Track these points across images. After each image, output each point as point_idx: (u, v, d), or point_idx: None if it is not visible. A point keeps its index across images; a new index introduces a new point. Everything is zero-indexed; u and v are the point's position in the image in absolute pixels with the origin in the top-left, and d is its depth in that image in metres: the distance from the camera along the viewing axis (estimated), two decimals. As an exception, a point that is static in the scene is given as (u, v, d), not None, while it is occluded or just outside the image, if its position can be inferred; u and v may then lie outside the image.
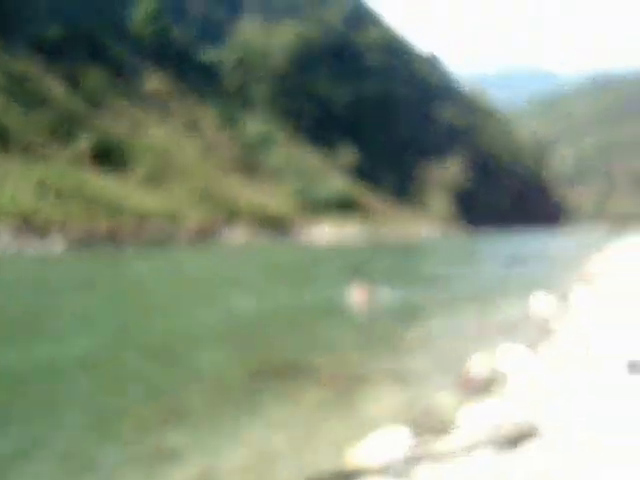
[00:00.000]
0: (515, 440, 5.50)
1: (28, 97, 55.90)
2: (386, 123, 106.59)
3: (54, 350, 10.72)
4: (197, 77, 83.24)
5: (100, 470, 5.95)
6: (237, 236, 54.17)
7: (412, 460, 5.35)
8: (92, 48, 68.85)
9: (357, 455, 5.64)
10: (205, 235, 50.75)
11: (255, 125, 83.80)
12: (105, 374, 9.66)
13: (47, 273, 26.19)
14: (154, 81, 75.64)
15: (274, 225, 60.64)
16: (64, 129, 54.96)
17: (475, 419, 6.16)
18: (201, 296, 19.63)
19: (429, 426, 6.46)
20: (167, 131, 68.93)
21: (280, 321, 14.53)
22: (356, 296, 16.30)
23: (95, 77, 64.52)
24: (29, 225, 39.41)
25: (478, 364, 8.62)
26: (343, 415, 7.40)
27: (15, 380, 9.05)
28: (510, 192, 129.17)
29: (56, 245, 38.54)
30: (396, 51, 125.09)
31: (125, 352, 11.16)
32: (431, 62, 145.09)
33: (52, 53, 63.59)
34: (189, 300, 18.82)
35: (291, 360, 10.25)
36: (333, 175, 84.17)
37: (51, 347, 10.99)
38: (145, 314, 15.80)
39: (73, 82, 63.06)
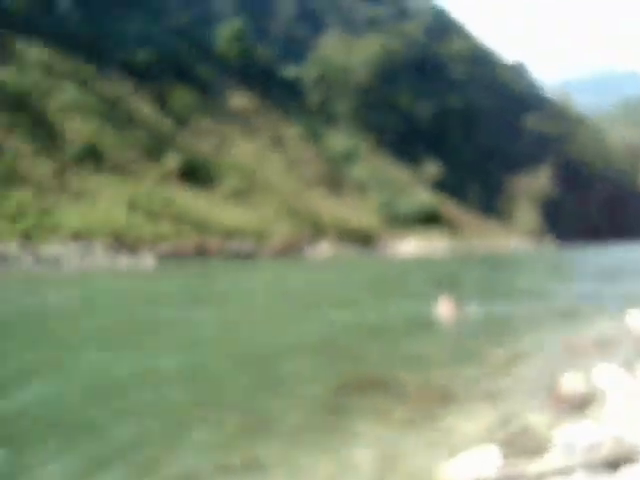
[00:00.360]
0: (614, 463, 5.12)
1: (120, 118, 57.98)
2: (471, 134, 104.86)
3: (153, 361, 10.91)
4: (281, 94, 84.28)
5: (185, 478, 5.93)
6: (322, 251, 54.11)
7: (503, 480, 5.09)
8: (179, 69, 70.89)
9: (446, 474, 5.50)
10: (290, 250, 50.90)
11: (339, 140, 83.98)
12: (199, 384, 9.68)
13: (143, 287, 26.65)
14: (239, 99, 77.07)
15: (359, 239, 60.30)
16: (153, 148, 56.59)
17: (570, 440, 5.73)
18: (292, 309, 19.44)
19: (520, 446, 6.20)
20: (252, 147, 69.93)
21: (368, 334, 14.10)
22: (444, 310, 15.74)
23: (182, 97, 66.20)
24: (121, 241, 40.55)
25: (572, 382, 8.17)
26: (431, 433, 7.11)
27: (113, 387, 9.20)
28: (602, 202, 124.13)
29: (146, 260, 39.49)
30: (480, 60, 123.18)
31: (221, 363, 11.23)
32: (516, 70, 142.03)
33: (141, 75, 65.80)
34: (281, 313, 18.76)
35: (379, 375, 9.93)
36: (418, 188, 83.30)
37: (150, 358, 11.18)
38: (239, 326, 15.78)
39: (161, 102, 64.97)
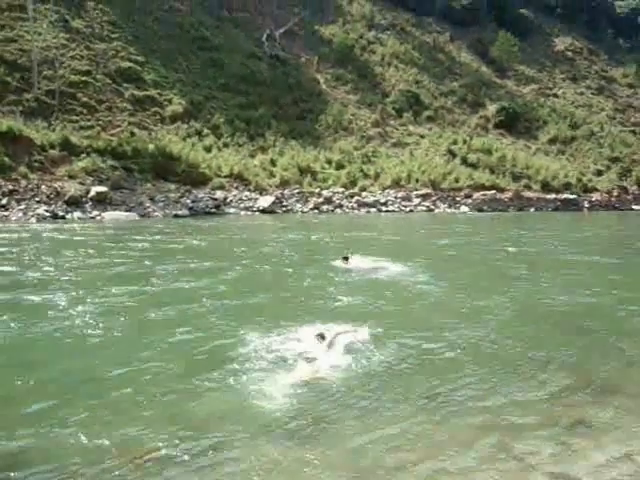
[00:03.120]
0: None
1: (439, 67, 57.53)
2: None
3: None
4: (610, 32, 76.39)
5: (511, 432, 5.55)
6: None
7: None
8: (499, 14, 67.87)
9: None
10: (615, 202, 46.07)
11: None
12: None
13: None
14: (563, 42, 71.54)
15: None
16: (473, 96, 55.24)
17: None
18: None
19: None
20: (577, 93, 64.55)
21: None
22: None
23: (503, 43, 63.19)
24: (439, 190, 40.18)
25: None
26: None
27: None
28: None
29: (462, 208, 38.76)
30: None
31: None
32: None
33: (461, 22, 64.34)
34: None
35: None
36: None
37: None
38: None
39: (481, 49, 63.01)
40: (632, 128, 62.82)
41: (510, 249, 18.66)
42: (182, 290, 11.23)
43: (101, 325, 8.41)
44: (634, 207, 46.77)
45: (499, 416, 5.87)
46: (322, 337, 7.57)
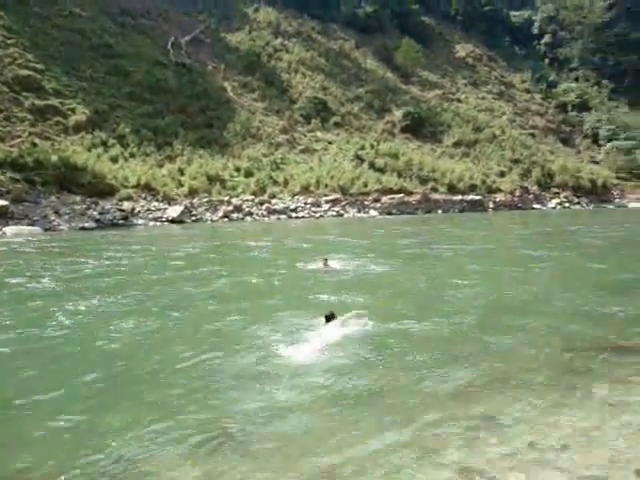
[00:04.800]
0: None
1: (345, 73, 58.52)
2: None
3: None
4: (507, 40, 79.80)
5: (423, 429, 5.91)
6: (551, 203, 50.83)
7: None
8: (402, 21, 69.63)
9: None
10: (517, 202, 48.35)
11: (570, 86, 77.57)
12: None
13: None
14: (464, 48, 74.15)
15: (591, 192, 55.55)
16: (378, 102, 56.44)
17: None
18: (523, 261, 17.99)
19: None
20: (478, 98, 67.07)
21: (606, 297, 12.16)
22: None
23: (406, 49, 64.86)
24: (346, 194, 40.90)
25: None
26: None
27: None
28: None
29: (370, 212, 39.67)
30: None
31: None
32: None
33: (365, 30, 65.70)
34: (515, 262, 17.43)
35: (621, 341, 8.97)
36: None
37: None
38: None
39: (386, 56, 64.46)
40: (531, 131, 65.94)
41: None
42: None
43: None
44: (535, 206, 49.18)
45: (406, 412, 6.22)
46: (332, 316, 9.27)
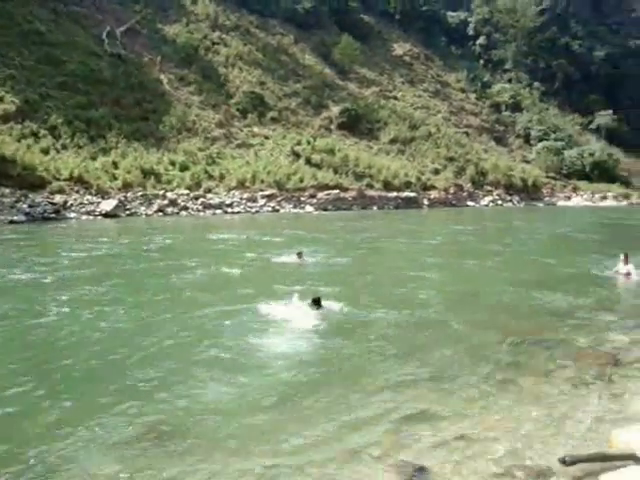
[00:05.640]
0: None
1: (283, 69, 58.56)
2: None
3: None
4: (444, 40, 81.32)
5: (356, 426, 6.07)
6: (484, 201, 52.40)
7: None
8: (342, 18, 69.95)
9: (622, 439, 5.25)
10: (451, 199, 49.60)
11: (504, 87, 79.69)
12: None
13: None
14: (402, 47, 75.13)
15: (523, 190, 57.58)
16: (316, 97, 56.72)
17: None
18: (450, 258, 18.71)
19: None
20: (415, 96, 68.15)
21: (535, 291, 13.13)
22: (618, 270, 14.05)
23: (345, 46, 65.27)
24: (282, 189, 41.09)
25: None
26: (606, 397, 6.89)
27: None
28: None
29: (307, 207, 39.96)
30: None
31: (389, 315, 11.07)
32: None
33: (304, 26, 65.81)
34: (442, 262, 18.06)
35: (548, 335, 9.61)
36: (588, 139, 77.37)
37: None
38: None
39: (324, 52, 64.73)
40: (465, 130, 67.46)
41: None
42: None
43: None
44: (469, 203, 50.55)
45: (341, 411, 6.44)
46: (318, 301, 10.26)
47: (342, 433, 5.94)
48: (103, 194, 34.35)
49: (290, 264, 15.51)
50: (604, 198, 61.91)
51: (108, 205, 32.97)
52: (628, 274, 14.05)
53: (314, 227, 29.20)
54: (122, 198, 34.43)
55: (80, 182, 34.45)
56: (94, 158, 37.25)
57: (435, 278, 14.65)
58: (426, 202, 47.68)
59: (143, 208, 34.49)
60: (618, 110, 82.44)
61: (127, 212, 33.55)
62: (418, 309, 11.12)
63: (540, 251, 20.58)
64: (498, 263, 17.45)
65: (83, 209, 32.21)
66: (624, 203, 61.35)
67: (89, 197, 33.57)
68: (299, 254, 15.72)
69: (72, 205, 32.23)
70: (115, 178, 36.05)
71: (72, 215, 31.24)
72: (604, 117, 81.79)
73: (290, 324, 9.39)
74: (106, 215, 32.12)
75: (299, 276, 14.09)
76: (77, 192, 33.69)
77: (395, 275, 15.09)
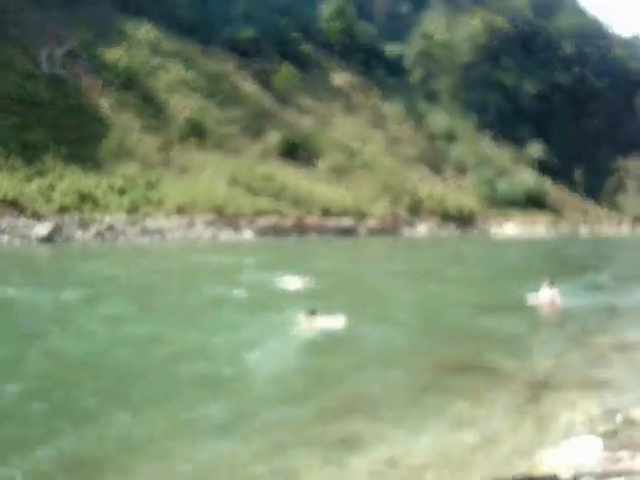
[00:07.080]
0: None
1: (223, 95, 59.00)
2: (579, 115, 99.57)
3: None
4: (382, 71, 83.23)
5: (282, 453, 6.04)
6: (420, 229, 53.69)
7: (604, 475, 4.98)
8: (281, 47, 71.05)
9: (547, 462, 5.40)
10: (389, 228, 50.61)
11: (440, 118, 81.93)
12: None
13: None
14: (340, 76, 76.61)
15: (458, 219, 59.27)
16: (255, 125, 57.28)
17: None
18: (393, 285, 19.34)
19: (625, 441, 6.07)
20: (353, 125, 69.45)
21: (468, 318, 13.89)
22: (543, 297, 14.94)
23: (284, 74, 66.34)
24: (221, 216, 41.31)
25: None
26: (533, 420, 7.11)
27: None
28: None
29: (246, 234, 40.24)
30: (591, 36, 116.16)
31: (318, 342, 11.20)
32: (631, 45, 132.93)
33: (244, 53, 66.52)
34: (384, 289, 18.67)
35: (478, 360, 9.95)
36: (520, 169, 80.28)
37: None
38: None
39: (264, 80, 65.49)
40: (401, 159, 69.09)
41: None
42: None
43: None
44: (405, 232, 51.79)
45: (270, 436, 6.45)
46: (313, 312, 11.20)
47: (264, 457, 5.96)
48: (39, 217, 33.92)
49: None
50: (535, 226, 64.32)
51: (44, 228, 32.57)
52: (552, 299, 14.80)
53: (266, 253, 29.37)
54: (59, 222, 34.05)
55: (14, 205, 33.93)
56: (29, 180, 36.73)
57: (370, 303, 15.22)
58: (363, 230, 48.55)
59: (80, 233, 34.21)
60: (548, 142, 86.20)
61: (63, 236, 33.20)
62: (353, 332, 11.49)
63: (477, 277, 21.45)
64: (438, 288, 18.09)
65: (17, 232, 31.76)
66: (553, 231, 63.88)
67: (24, 220, 33.11)
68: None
69: (5, 229, 31.73)
70: (51, 201, 35.66)
71: (4, 239, 30.75)
72: (535, 149, 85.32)
73: None
74: (41, 240, 31.71)
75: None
76: (10, 215, 33.18)
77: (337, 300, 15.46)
